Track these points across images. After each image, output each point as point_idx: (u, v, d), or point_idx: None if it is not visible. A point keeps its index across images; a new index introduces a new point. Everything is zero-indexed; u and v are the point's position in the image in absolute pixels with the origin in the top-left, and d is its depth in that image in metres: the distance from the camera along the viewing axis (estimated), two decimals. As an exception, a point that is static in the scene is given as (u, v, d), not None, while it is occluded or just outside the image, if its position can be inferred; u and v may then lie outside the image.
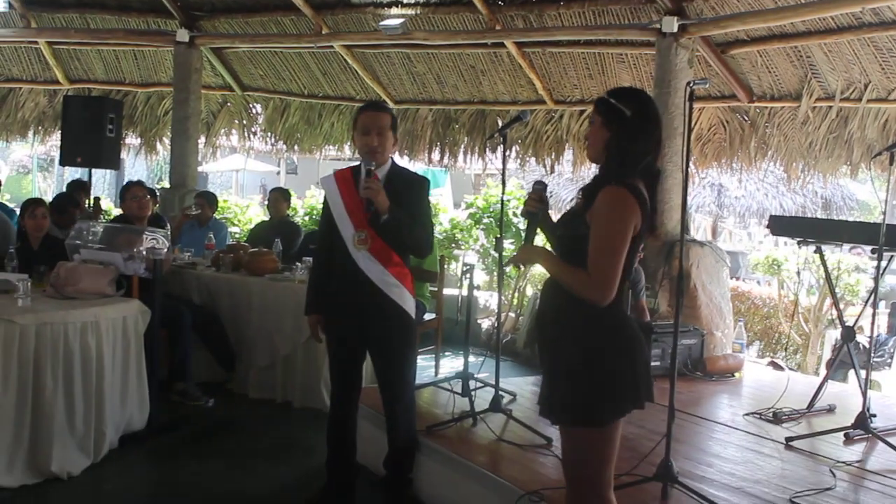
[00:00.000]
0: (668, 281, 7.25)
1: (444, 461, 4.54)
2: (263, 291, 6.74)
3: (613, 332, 2.95)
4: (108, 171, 23.25)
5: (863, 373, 5.27)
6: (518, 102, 9.85)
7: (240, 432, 6.01)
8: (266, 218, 9.89)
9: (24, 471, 4.67)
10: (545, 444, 4.64)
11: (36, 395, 4.71)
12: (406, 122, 10.70)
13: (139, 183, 7.17)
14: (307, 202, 12.52)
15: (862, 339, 6.77)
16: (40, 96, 12.02)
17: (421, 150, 10.86)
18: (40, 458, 4.73)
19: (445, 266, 7.71)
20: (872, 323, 5.24)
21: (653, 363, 3.05)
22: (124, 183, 7.36)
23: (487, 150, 10.36)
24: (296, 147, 11.88)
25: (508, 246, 9.52)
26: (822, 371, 8.03)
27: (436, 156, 10.85)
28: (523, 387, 5.94)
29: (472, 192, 17.17)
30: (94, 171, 9.81)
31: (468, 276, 5.76)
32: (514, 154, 10.07)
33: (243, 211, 13.06)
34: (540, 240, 3.24)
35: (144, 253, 5.61)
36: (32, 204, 6.59)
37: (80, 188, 9.62)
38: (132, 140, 12.15)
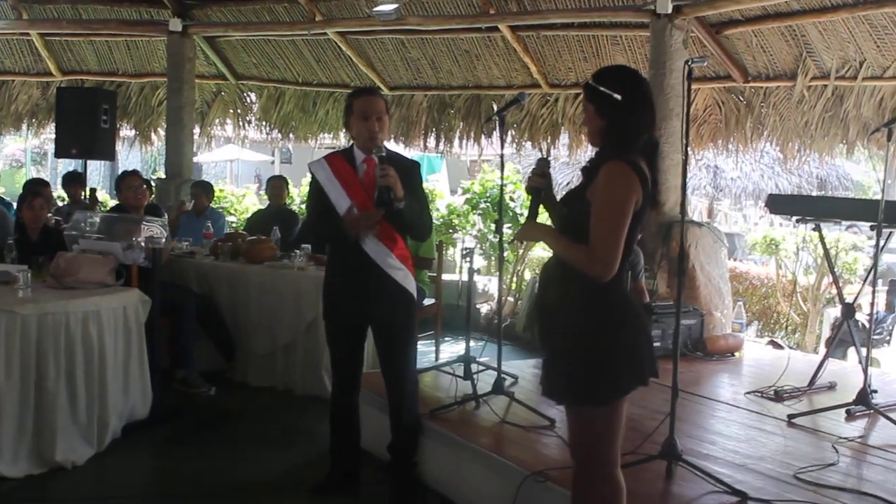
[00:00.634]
0: (666, 262, 7.26)
1: (448, 444, 4.56)
2: (262, 279, 6.74)
3: (616, 309, 2.95)
4: (102, 162, 23.23)
5: (863, 350, 5.29)
6: (513, 87, 9.83)
7: (242, 420, 6.02)
8: (262, 206, 9.88)
9: (28, 461, 4.68)
10: (548, 425, 4.65)
11: (39, 386, 4.71)
12: (401, 108, 10.69)
13: (134, 172, 7.16)
14: (303, 190, 12.48)
15: (861, 316, 6.79)
16: (33, 89, 11.97)
17: (416, 136, 10.84)
18: (44, 447, 4.73)
19: (443, 251, 7.71)
20: (872, 300, 5.26)
21: (654, 343, 3.08)
22: (119, 173, 7.34)
23: (483, 134, 10.35)
24: (291, 135, 11.85)
25: (507, 230, 9.52)
26: (821, 349, 8.05)
27: (431, 142, 10.84)
28: (525, 369, 5.95)
29: (467, 178, 17.13)
30: (88, 162, 9.79)
31: (468, 259, 5.75)
32: (509, 138, 10.06)
33: (239, 200, 13.04)
34: (544, 217, 3.25)
35: (143, 242, 5.61)
36: (31, 194, 6.57)
37: (75, 180, 9.60)
38: (126, 131, 12.11)
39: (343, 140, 11.60)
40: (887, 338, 8.02)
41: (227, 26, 10.33)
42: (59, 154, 9.39)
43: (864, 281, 5.86)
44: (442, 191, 14.08)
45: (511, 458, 4.17)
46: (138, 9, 10.49)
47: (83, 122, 8.79)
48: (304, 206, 11.68)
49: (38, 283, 5.19)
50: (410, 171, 4.36)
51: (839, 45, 7.63)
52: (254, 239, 7.19)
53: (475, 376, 5.28)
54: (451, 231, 11.05)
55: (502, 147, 5.20)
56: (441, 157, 16.75)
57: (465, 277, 5.92)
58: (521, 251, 9.84)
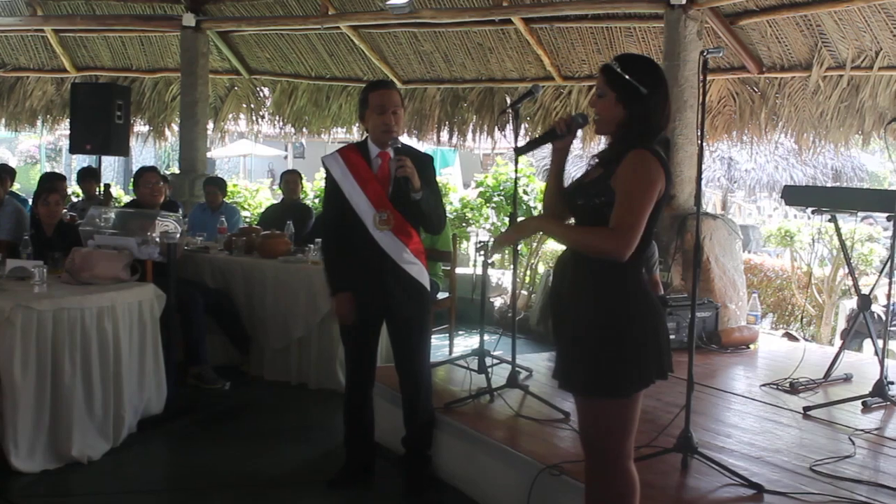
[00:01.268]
0: (680, 254, 7.23)
1: (462, 437, 4.55)
2: (276, 274, 6.74)
3: (636, 301, 2.92)
4: (117, 158, 23.33)
5: (879, 341, 5.26)
6: (526, 79, 9.80)
7: (257, 414, 6.02)
8: (276, 201, 9.88)
9: (45, 456, 4.70)
10: (563, 419, 4.64)
11: (55, 381, 4.73)
12: (414, 101, 10.68)
13: (152, 169, 7.16)
14: (317, 184, 12.50)
15: (877, 308, 6.76)
16: (48, 85, 12.04)
17: (430, 129, 10.83)
18: (61, 443, 4.75)
19: (457, 245, 7.70)
20: (889, 291, 5.21)
21: (670, 336, 3.07)
22: (135, 170, 7.35)
23: (497, 127, 10.33)
24: (304, 130, 11.86)
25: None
26: (837, 341, 8.02)
27: (444, 135, 10.83)
28: (539, 363, 5.94)
29: (480, 171, 17.11)
30: (103, 158, 9.83)
31: (483, 252, 5.74)
32: (523, 131, 10.03)
33: (253, 195, 13.06)
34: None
35: (158, 237, 5.62)
36: (46, 190, 6.59)
37: (90, 176, 9.64)
38: (140, 127, 12.16)
39: (356, 134, 11.60)
40: (904, 329, 7.97)
41: (240, 21, 10.35)
42: (73, 150, 9.43)
43: (881, 272, 5.83)
44: (455, 184, 14.08)
45: (526, 451, 4.16)
46: (152, 4, 10.53)
47: (97, 118, 8.83)
48: (317, 201, 11.72)
49: (53, 279, 5.21)
50: (425, 165, 4.36)
51: (855, 35, 7.57)
52: (268, 233, 7.20)
53: (489, 370, 5.27)
54: (464, 224, 11.05)
55: (516, 140, 5.17)
56: (454, 150, 16.76)
57: (478, 271, 5.90)
58: (534, 244, 9.82)
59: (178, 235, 5.73)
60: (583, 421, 3.05)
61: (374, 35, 10.19)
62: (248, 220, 11.28)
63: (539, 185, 10.45)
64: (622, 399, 2.92)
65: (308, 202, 11.23)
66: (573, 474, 3.75)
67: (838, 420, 4.82)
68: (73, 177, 11.32)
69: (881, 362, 5.12)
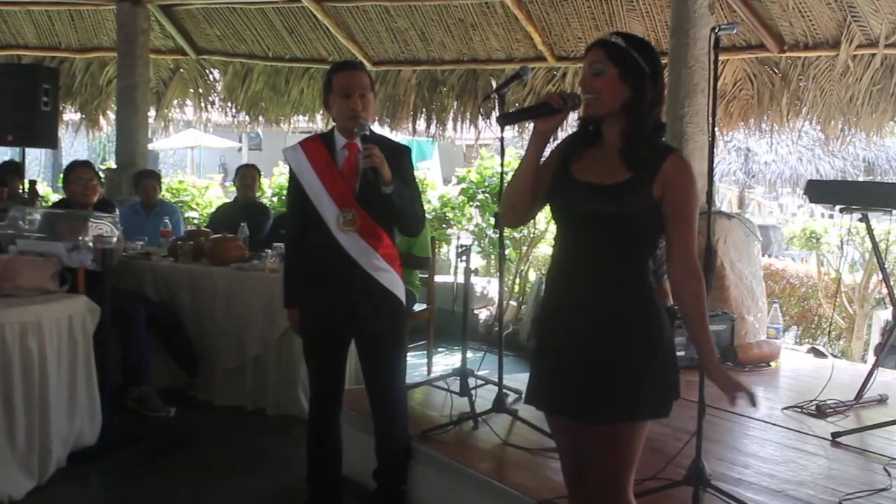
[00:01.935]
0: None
1: (442, 469, 4.55)
2: (229, 283, 6.73)
3: (664, 315, 3.02)
4: (43, 150, 23.20)
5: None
6: (514, 60, 9.83)
7: (207, 445, 5.99)
8: (228, 200, 9.86)
9: (-42, 495, 4.67)
10: (556, 448, 4.63)
11: (-30, 409, 4.70)
12: (386, 86, 10.69)
13: (85, 163, 7.14)
14: (275, 181, 12.49)
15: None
16: (-39, 66, 11.96)
17: (404, 117, 10.85)
18: (-24, 480, 4.72)
19: (437, 249, 7.72)
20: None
21: (678, 353, 3.06)
22: (65, 164, 7.32)
23: (481, 115, 10.34)
24: (260, 118, 11.85)
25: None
26: (870, 358, 8.07)
27: (421, 124, 10.84)
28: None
29: (463, 165, 17.13)
30: (27, 151, 9.77)
31: (464, 258, 5.74)
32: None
33: (202, 192, 13.00)
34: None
35: (91, 242, 5.59)
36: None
37: (12, 171, 9.56)
38: (71, 114, 12.10)
39: (321, 123, 11.60)
40: (946, 344, 8.03)
41: (186, -7, 10.33)
42: (-8, 142, 9.36)
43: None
44: (434, 180, 14.08)
45: (514, 484, 4.16)
46: (83, -26, 10.50)
47: (20, 105, 8.78)
48: (276, 200, 11.70)
49: (-32, 291, 5.17)
50: (399, 156, 4.35)
51: (889, 8, 7.61)
52: (219, 237, 7.18)
53: (473, 392, 5.27)
54: (444, 226, 11.05)
55: (502, 130, 5.18)
56: (433, 141, 16.73)
57: (460, 279, 5.90)
58: (524, 248, 9.84)
59: (114, 240, 5.71)
60: (595, 449, 3.03)
61: (339, 9, 10.18)
62: (195, 221, 11.24)
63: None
64: (643, 422, 2.97)
65: (265, 201, 11.21)
66: (569, 511, 3.75)
67: (872, 448, 4.84)
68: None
69: (920, 381, 5.15)
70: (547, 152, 3.15)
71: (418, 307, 7.14)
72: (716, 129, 4.02)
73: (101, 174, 8.91)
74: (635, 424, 2.96)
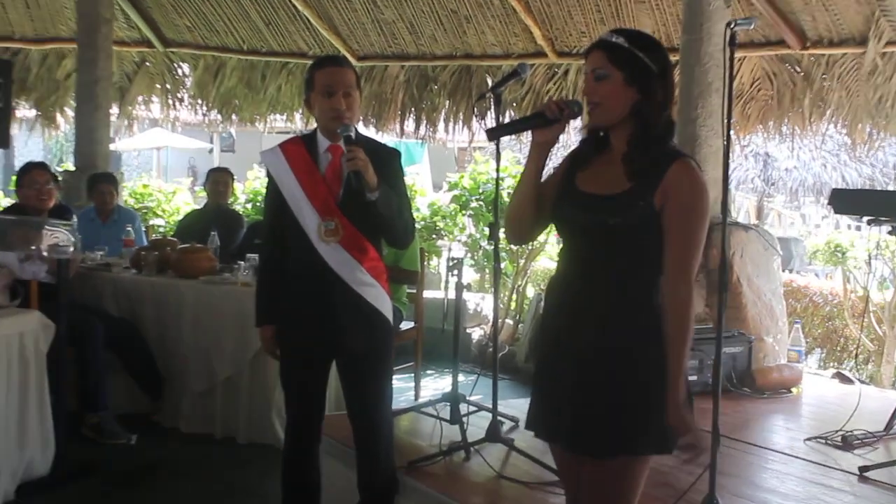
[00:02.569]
0: (704, 275, 7.25)
1: (430, 505, 4.53)
2: (197, 298, 6.72)
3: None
4: (-5, 152, 23.16)
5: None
6: (512, 56, 9.85)
7: (171, 476, 5.98)
8: (198, 206, 9.84)
9: None
10: (555, 481, 4.62)
11: (-89, 435, 4.68)
12: (372, 83, 10.70)
13: (40, 165, 7.15)
14: (249, 185, 12.48)
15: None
16: None
17: (391, 118, 10.86)
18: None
19: (426, 263, 7.71)
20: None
21: (689, 377, 3.03)
22: (18, 166, 7.32)
23: (475, 116, 10.34)
24: (233, 117, 11.86)
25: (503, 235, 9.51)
26: (901, 384, 8.08)
27: (410, 125, 10.85)
28: (526, 411, 5.92)
29: (455, 169, 17.14)
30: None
31: (456, 272, 5.74)
32: (507, 120, 10.06)
33: (168, 198, 12.97)
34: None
35: (46, 252, 5.57)
36: None
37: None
38: (25, 111, 12.08)
39: (300, 123, 11.60)
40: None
41: (153, -20, 10.34)
42: (-62, 141, 9.36)
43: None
44: (423, 186, 14.08)
45: (510, 522, 4.16)
46: (40, -43, 10.50)
47: (-31, 101, 8.77)
48: (250, 207, 11.69)
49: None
50: (388, 161, 4.33)
51: (921, 2, 7.66)
52: (186, 247, 7.18)
53: (465, 419, 5.27)
54: (434, 237, 11.04)
55: (491, 142, 5.19)
56: (422, 144, 16.73)
57: (452, 295, 5.90)
58: (521, 262, 9.84)
59: (71, 249, 5.69)
60: (594, 485, 3.03)
61: (321, 0, 10.22)
62: (161, 229, 11.22)
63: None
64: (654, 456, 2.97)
65: (238, 208, 11.20)
66: (569, 551, 3.74)
67: (902, 483, 4.85)
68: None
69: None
70: (559, 160, 3.15)
71: (405, 325, 7.13)
72: (731, 132, 4.03)
73: (58, 177, 8.90)
74: (636, 458, 2.96)
